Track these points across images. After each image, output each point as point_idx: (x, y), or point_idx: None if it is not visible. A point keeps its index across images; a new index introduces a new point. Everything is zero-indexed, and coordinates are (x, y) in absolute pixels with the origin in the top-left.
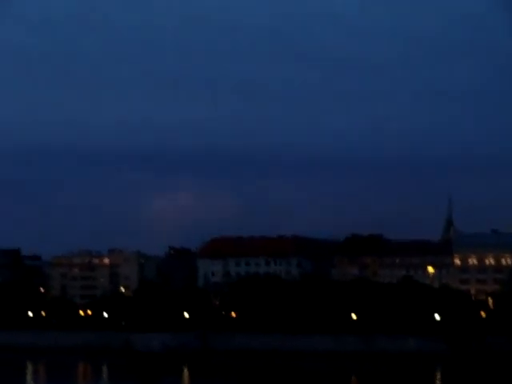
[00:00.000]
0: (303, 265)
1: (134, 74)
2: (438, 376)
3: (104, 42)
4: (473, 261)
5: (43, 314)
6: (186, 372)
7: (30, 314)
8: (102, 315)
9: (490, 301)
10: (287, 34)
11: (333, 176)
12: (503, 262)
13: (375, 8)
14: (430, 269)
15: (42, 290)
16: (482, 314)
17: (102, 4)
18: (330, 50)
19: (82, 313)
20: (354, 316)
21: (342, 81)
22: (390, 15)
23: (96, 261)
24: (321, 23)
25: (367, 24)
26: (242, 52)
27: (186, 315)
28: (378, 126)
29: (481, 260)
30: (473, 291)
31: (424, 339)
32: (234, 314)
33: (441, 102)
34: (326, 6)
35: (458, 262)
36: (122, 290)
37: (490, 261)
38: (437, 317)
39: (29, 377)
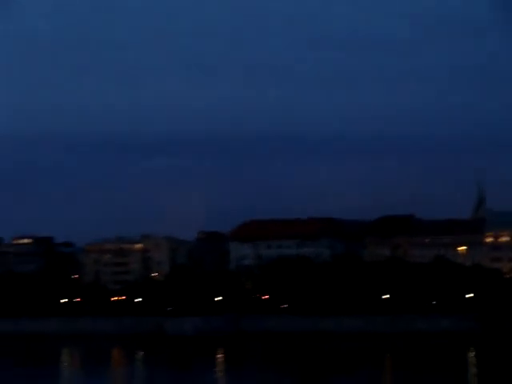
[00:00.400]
0: (334, 246)
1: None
2: (471, 355)
3: (129, 27)
4: (505, 239)
5: (77, 300)
6: (219, 355)
7: (64, 301)
8: (135, 300)
9: None
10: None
11: (363, 157)
12: None
13: None
14: (462, 248)
15: (75, 276)
16: None
17: None
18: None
19: (115, 298)
20: (386, 296)
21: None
22: None
23: (128, 246)
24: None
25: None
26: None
27: (218, 299)
28: (406, 105)
29: None
30: (505, 269)
31: (456, 318)
32: (266, 297)
33: (472, 79)
34: None
35: (489, 240)
36: (155, 275)
37: None
38: (469, 296)
39: (64, 363)
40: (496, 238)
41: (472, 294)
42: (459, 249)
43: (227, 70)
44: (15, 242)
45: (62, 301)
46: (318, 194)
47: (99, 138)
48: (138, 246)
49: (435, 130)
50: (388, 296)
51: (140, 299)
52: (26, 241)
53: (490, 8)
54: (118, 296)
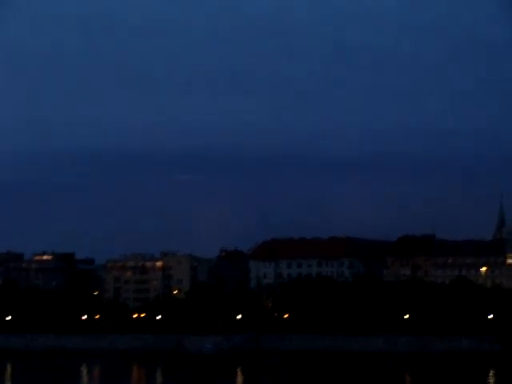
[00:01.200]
0: (355, 266)
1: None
2: (492, 375)
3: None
4: None
5: (97, 317)
6: (239, 374)
7: (84, 317)
8: (155, 318)
9: None
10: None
11: (386, 177)
12: None
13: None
14: (483, 269)
15: (95, 293)
16: None
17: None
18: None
19: (135, 315)
20: (406, 316)
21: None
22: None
23: (149, 264)
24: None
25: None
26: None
27: (239, 317)
28: (427, 125)
29: None
30: None
31: (477, 339)
32: (286, 316)
33: (491, 101)
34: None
35: (510, 261)
36: (175, 292)
37: None
38: (490, 316)
39: (84, 380)
40: None
41: (492, 315)
42: (480, 269)
43: (241, 84)
44: (36, 258)
45: (82, 317)
46: (340, 213)
47: (120, 154)
48: (159, 263)
49: (458, 150)
50: (408, 316)
51: (160, 316)
52: (47, 257)
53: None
54: (139, 313)
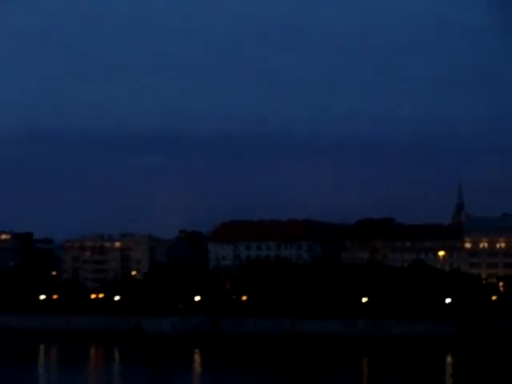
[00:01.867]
0: (314, 248)
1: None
2: (449, 359)
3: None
4: (483, 244)
5: (55, 297)
6: (197, 355)
7: (42, 297)
8: (114, 299)
9: (501, 284)
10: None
11: (344, 160)
12: None
13: None
14: (441, 253)
15: (54, 273)
16: (493, 297)
17: None
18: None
19: (93, 296)
20: (364, 300)
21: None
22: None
23: (108, 244)
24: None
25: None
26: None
27: (197, 299)
28: (389, 111)
29: (491, 244)
30: (483, 275)
31: (435, 323)
32: (244, 298)
33: (452, 88)
34: None
35: (468, 245)
36: (134, 273)
37: (500, 245)
38: (447, 300)
39: (41, 360)
40: (475, 243)
41: (450, 299)
42: (438, 254)
43: (213, 71)
44: None
45: (40, 297)
46: (298, 196)
47: (82, 135)
48: (118, 243)
49: (416, 137)
50: (367, 299)
51: (119, 297)
52: (5, 236)
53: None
54: (97, 294)
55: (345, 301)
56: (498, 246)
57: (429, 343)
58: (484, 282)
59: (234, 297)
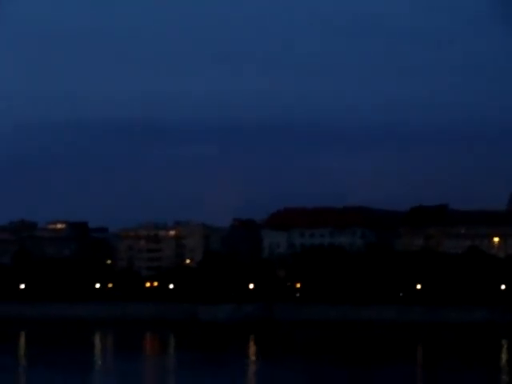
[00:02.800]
0: (368, 236)
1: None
2: (505, 345)
3: (163, 15)
4: None
5: (110, 285)
6: (251, 343)
7: (98, 285)
8: (168, 287)
9: None
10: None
11: (398, 146)
12: None
13: None
14: (496, 239)
15: (108, 262)
16: None
17: None
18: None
19: (148, 284)
20: (418, 286)
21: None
22: None
23: (162, 233)
24: None
25: None
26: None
27: (251, 286)
28: (442, 96)
29: None
30: None
31: (490, 309)
32: (298, 285)
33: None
34: None
35: None
36: (188, 261)
37: None
38: (503, 287)
39: (97, 348)
40: None
41: (505, 286)
42: (493, 240)
43: (252, 59)
44: (50, 226)
45: (95, 286)
46: (353, 183)
47: (136, 124)
48: (172, 232)
49: (475, 120)
50: (421, 286)
51: (173, 286)
52: (60, 226)
53: None
54: (151, 282)
55: (399, 288)
56: None
57: (483, 330)
58: None
59: (288, 284)
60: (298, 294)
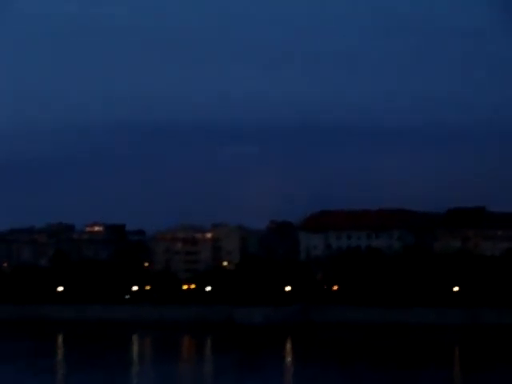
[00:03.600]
0: (405, 238)
1: (235, 48)
2: None
3: (206, 15)
4: None
5: (148, 288)
6: (288, 345)
7: (135, 288)
8: (205, 289)
9: None
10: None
11: (435, 148)
12: None
13: None
14: None
15: (146, 264)
16: None
17: None
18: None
19: (185, 287)
20: (456, 289)
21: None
22: None
23: (199, 235)
24: None
25: None
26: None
27: (288, 289)
28: (481, 95)
29: None
30: None
31: None
32: (335, 288)
33: None
34: None
35: None
36: (225, 264)
37: None
38: None
39: (135, 351)
40: None
41: None
42: None
43: (299, 60)
44: (88, 229)
45: (133, 288)
46: (389, 184)
47: (171, 127)
48: (209, 234)
49: (507, 123)
50: (459, 288)
51: (210, 288)
52: (98, 228)
53: None
54: (188, 284)
55: (437, 290)
56: None
57: None
58: None
59: (325, 287)
60: (334, 297)
